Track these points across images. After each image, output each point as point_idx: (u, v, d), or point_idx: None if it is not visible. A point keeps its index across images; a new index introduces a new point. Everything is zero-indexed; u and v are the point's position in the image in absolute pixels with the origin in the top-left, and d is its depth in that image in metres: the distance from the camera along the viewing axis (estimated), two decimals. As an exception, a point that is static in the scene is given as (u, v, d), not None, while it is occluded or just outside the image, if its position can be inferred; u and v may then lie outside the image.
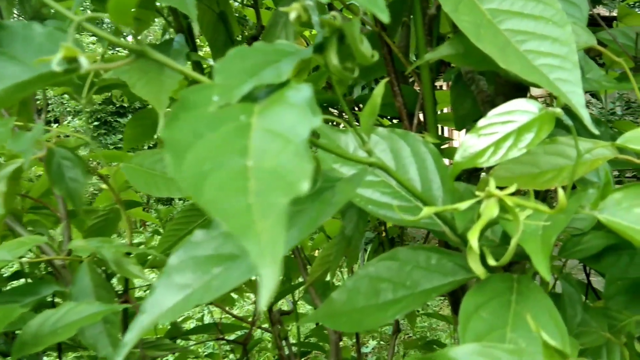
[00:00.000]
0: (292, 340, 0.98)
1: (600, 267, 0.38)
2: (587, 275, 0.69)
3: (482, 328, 0.30)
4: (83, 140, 0.59)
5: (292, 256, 0.83)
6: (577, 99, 0.31)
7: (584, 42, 0.39)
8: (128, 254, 0.58)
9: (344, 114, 0.85)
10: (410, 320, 1.00)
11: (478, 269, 0.30)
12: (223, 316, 1.17)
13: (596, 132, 0.30)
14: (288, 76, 0.23)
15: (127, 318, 0.65)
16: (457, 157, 0.32)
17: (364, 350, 2.52)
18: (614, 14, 0.84)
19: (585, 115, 0.30)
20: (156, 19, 0.80)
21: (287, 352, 0.87)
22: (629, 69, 0.39)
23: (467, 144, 0.31)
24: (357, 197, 0.40)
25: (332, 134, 0.43)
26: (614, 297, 0.45)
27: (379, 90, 0.32)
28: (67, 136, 0.66)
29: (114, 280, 0.80)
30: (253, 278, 0.99)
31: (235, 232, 0.15)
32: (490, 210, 0.28)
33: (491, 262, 0.29)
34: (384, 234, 0.88)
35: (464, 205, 0.29)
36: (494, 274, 0.34)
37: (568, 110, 0.33)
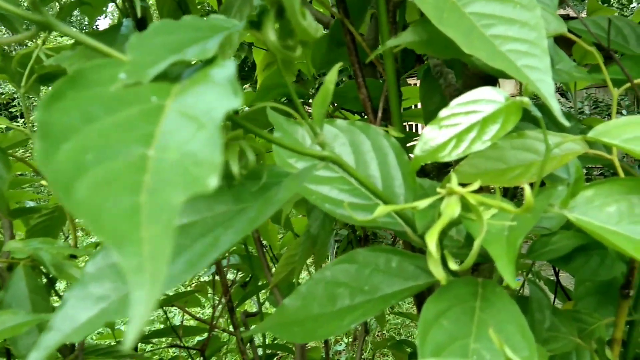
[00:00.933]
0: (267, 341, 0.95)
1: (570, 269, 0.35)
2: (557, 274, 0.67)
3: (443, 338, 0.27)
4: (23, 134, 0.54)
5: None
6: (546, 87, 0.28)
7: (554, 30, 0.36)
8: (73, 256, 0.54)
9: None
10: (380, 321, 0.97)
11: (438, 274, 0.28)
12: (186, 318, 1.13)
13: (566, 123, 0.27)
14: (215, 52, 0.20)
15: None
16: (417, 150, 0.29)
17: (337, 348, 2.50)
18: (584, 15, 0.83)
19: (554, 105, 0.28)
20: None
21: (252, 355, 0.83)
22: (601, 59, 0.36)
23: (427, 136, 0.29)
24: (313, 194, 0.37)
25: (289, 127, 0.40)
26: (584, 299, 0.44)
27: (331, 76, 0.29)
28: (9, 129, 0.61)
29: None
30: (217, 278, 0.95)
31: (109, 240, 0.12)
32: (451, 208, 0.25)
33: (452, 266, 0.27)
34: (353, 232, 0.85)
35: (423, 203, 0.26)
36: (456, 278, 0.31)
37: (537, 102, 0.30)
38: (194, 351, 0.91)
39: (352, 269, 0.35)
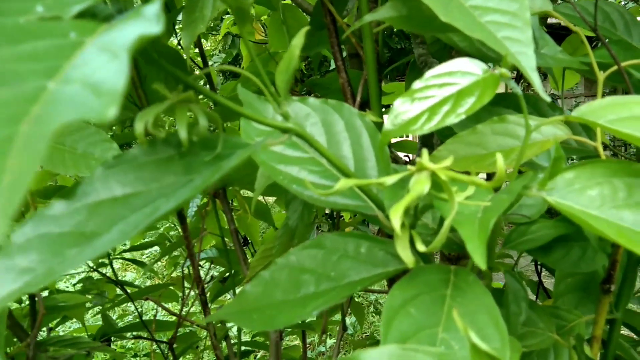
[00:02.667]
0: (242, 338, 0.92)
1: (550, 261, 0.34)
2: (539, 274, 0.66)
3: (409, 327, 0.25)
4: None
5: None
6: (527, 60, 0.26)
7: (539, 7, 0.34)
8: None
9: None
10: (359, 317, 0.95)
11: (406, 257, 0.26)
12: (161, 312, 1.10)
13: (547, 98, 0.25)
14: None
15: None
16: (387, 124, 0.27)
17: (320, 349, 2.47)
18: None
19: (536, 80, 0.26)
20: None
21: (226, 352, 0.81)
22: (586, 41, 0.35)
23: (398, 109, 0.26)
24: (280, 174, 0.35)
25: (259, 104, 0.38)
26: (564, 296, 0.42)
27: (298, 40, 0.26)
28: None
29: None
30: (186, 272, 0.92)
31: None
32: (420, 185, 0.23)
33: (420, 247, 0.24)
34: (333, 226, 0.83)
35: (391, 179, 0.24)
36: (427, 265, 0.29)
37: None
38: (167, 345, 0.88)
39: (319, 255, 0.33)
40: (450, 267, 0.29)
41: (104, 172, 0.24)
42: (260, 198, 0.98)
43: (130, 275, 3.80)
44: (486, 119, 0.37)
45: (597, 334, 0.35)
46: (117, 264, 4.09)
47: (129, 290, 0.91)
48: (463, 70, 0.27)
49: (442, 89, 0.26)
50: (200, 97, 0.27)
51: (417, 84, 0.27)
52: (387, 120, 0.27)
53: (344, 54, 0.55)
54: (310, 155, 0.36)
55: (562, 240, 0.34)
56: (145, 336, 0.76)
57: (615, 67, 0.33)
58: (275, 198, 0.95)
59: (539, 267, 0.69)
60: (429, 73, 0.27)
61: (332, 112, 0.37)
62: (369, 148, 0.35)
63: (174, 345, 0.85)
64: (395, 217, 0.21)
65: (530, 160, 0.38)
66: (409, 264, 0.25)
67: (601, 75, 0.33)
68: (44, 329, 0.82)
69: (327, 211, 0.87)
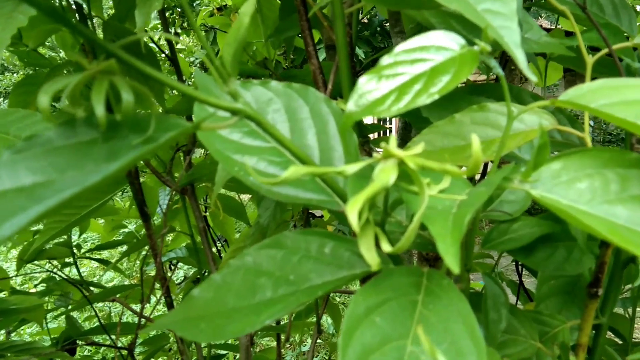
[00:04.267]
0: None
1: (532, 263, 0.30)
2: (519, 275, 0.63)
3: (373, 339, 0.22)
4: None
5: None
6: (511, 35, 0.23)
7: (523, -16, 0.31)
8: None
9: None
10: (335, 319, 0.92)
11: (370, 258, 0.22)
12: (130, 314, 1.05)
13: (533, 77, 0.22)
14: None
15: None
16: (351, 105, 0.23)
17: (304, 348, 2.44)
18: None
19: (520, 56, 0.22)
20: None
21: (194, 356, 0.76)
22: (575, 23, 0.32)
23: (363, 88, 0.23)
24: (236, 165, 0.31)
25: (214, 87, 0.34)
26: (547, 299, 0.39)
27: (247, 7, 0.23)
28: None
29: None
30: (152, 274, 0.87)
31: None
32: (385, 174, 0.20)
33: (385, 247, 0.21)
34: (308, 224, 0.80)
35: (353, 167, 0.21)
36: (396, 267, 0.26)
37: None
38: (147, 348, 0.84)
39: (278, 255, 0.29)
40: (422, 270, 0.26)
41: (12, 158, 0.20)
42: (235, 196, 0.94)
43: (108, 275, 3.71)
44: (465, 108, 0.34)
45: (582, 342, 0.32)
46: (95, 264, 4.00)
47: (96, 291, 0.87)
48: (437, 45, 0.23)
49: (414, 66, 0.23)
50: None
51: (385, 60, 0.23)
52: (350, 101, 0.23)
53: (322, 48, 0.52)
54: (272, 144, 0.33)
55: (546, 240, 0.31)
56: (108, 341, 0.71)
57: (605, 51, 0.30)
58: (251, 196, 0.91)
59: (519, 267, 0.66)
60: (399, 47, 0.23)
61: (297, 97, 0.33)
62: (336, 136, 0.32)
63: (141, 349, 0.80)
64: (353, 212, 0.18)
65: (512, 153, 0.35)
66: (373, 266, 0.22)
67: (590, 59, 0.30)
68: (2, 331, 0.77)
69: (312, 211, 0.83)
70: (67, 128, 0.21)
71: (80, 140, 0.21)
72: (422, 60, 0.23)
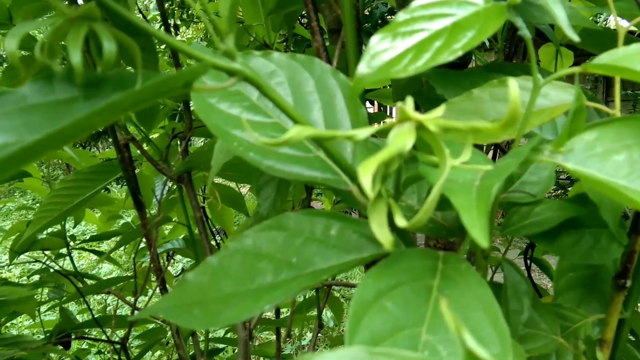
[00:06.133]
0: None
1: (556, 249, 0.28)
2: (528, 269, 0.61)
3: (384, 325, 0.20)
4: None
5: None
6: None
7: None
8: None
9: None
10: (336, 313, 0.89)
11: (383, 235, 0.20)
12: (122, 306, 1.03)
13: (575, 37, 0.20)
14: None
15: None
16: (362, 67, 0.21)
17: (303, 342, 2.41)
18: None
19: (559, 13, 0.20)
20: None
21: (192, 351, 0.74)
22: None
23: (376, 48, 0.21)
24: (235, 140, 0.29)
25: (214, 58, 0.32)
26: (565, 292, 0.36)
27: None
28: None
29: None
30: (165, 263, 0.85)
31: None
32: (401, 138, 0.18)
33: (400, 222, 0.19)
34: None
35: (363, 132, 0.18)
36: (410, 249, 0.24)
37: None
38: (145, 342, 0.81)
39: (279, 237, 0.27)
40: (438, 253, 0.24)
41: (-21, 115, 0.18)
42: (234, 185, 0.92)
43: (108, 267, 3.69)
44: (482, 84, 0.32)
45: (607, 337, 0.29)
46: (93, 256, 3.98)
47: (91, 283, 0.84)
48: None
49: (433, 22, 0.20)
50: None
51: (400, 16, 0.21)
52: (362, 63, 0.21)
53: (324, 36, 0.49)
54: (274, 120, 0.30)
55: (570, 227, 0.29)
56: (104, 334, 0.69)
57: (638, 19, 0.28)
58: (250, 186, 0.89)
59: (527, 260, 0.64)
60: (415, 2, 0.21)
61: (301, 70, 0.31)
62: (343, 111, 0.29)
63: (139, 342, 0.78)
64: (366, 175, 0.15)
65: (532, 133, 0.33)
66: (386, 244, 0.19)
67: (622, 28, 0.28)
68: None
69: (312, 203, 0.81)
70: (43, 84, 0.19)
71: (59, 98, 0.19)
72: (442, 16, 0.20)
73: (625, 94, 4.62)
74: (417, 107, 0.60)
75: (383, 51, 0.21)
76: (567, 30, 0.19)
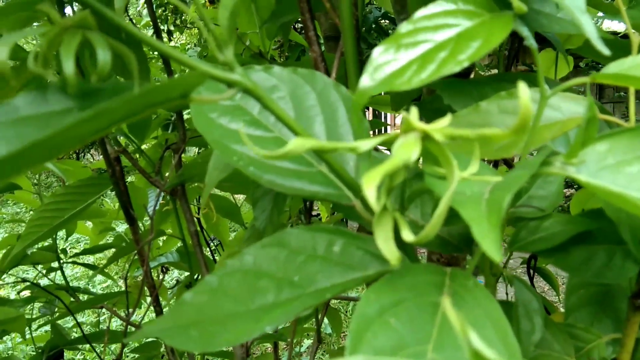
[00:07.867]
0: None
1: (567, 267, 0.27)
2: (531, 279, 0.60)
3: (387, 342, 0.19)
4: None
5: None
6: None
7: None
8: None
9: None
10: (335, 326, 0.88)
11: (389, 251, 0.19)
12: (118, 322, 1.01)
13: (605, 50, 0.19)
14: None
15: None
16: (365, 80, 0.20)
17: (300, 349, 2.38)
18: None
19: (586, 24, 0.19)
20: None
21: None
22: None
23: (379, 60, 0.20)
24: (235, 155, 0.28)
25: (214, 70, 0.31)
26: (577, 310, 0.36)
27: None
28: None
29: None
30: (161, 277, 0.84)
31: None
32: (406, 149, 0.17)
33: (407, 236, 0.18)
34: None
35: (367, 143, 0.18)
36: (416, 264, 0.23)
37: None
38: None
39: (281, 255, 0.26)
40: (444, 269, 0.23)
41: (-32, 129, 0.17)
42: (229, 196, 0.91)
43: (101, 277, 3.64)
44: (492, 96, 0.31)
45: (623, 359, 0.29)
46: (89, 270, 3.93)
47: (83, 298, 0.83)
48: (464, 9, 0.20)
49: (437, 33, 0.20)
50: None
51: (403, 27, 0.20)
52: (365, 75, 0.20)
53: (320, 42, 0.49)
54: (275, 134, 0.30)
55: (582, 243, 0.28)
56: (97, 349, 0.68)
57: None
58: (246, 196, 0.88)
59: (530, 270, 0.63)
60: (419, 13, 0.20)
61: (303, 84, 0.30)
62: (345, 125, 0.29)
63: (133, 357, 0.76)
64: (370, 187, 0.15)
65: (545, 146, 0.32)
66: (392, 260, 0.19)
67: (636, 38, 0.27)
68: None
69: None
70: (37, 95, 0.18)
71: (52, 110, 0.18)
72: (446, 26, 0.20)
73: (619, 95, 4.66)
74: (419, 118, 0.59)
75: (386, 63, 0.20)
76: (597, 44, 0.18)
